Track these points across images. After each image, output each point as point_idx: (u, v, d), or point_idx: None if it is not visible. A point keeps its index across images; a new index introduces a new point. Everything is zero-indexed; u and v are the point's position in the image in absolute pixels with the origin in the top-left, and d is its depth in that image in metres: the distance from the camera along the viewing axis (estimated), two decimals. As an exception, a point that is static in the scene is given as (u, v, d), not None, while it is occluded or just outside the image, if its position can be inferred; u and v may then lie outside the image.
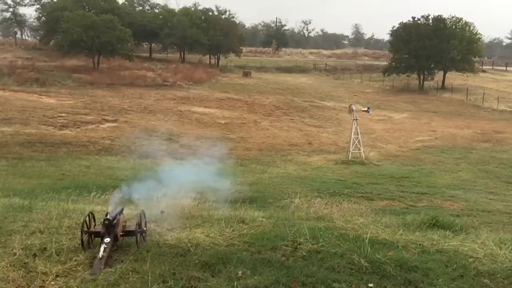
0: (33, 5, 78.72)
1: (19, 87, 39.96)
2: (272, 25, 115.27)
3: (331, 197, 9.72)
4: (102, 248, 5.59)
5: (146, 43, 73.70)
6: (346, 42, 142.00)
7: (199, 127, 29.97)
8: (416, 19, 59.52)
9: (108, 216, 5.92)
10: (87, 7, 61.81)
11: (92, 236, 6.03)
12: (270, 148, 25.17)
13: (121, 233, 6.01)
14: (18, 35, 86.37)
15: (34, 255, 5.74)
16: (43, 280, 5.18)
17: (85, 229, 5.98)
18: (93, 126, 28.30)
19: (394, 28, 61.46)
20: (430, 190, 15.88)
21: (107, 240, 5.73)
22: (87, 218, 6.08)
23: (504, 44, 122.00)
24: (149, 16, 69.10)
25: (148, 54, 70.87)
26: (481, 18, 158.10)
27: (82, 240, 5.88)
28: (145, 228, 6.27)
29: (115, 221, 5.96)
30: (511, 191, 16.48)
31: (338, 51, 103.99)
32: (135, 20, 63.16)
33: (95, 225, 6.26)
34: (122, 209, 6.43)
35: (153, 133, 27.06)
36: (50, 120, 28.74)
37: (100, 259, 5.48)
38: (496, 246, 6.31)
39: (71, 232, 6.45)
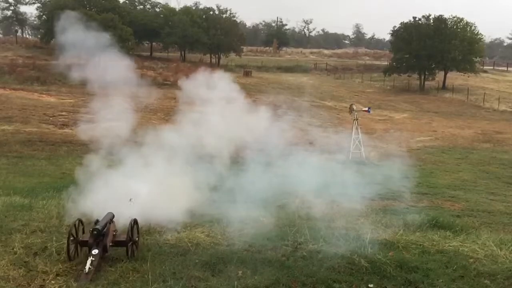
0: (34, 3, 78.58)
1: (20, 86, 39.92)
2: (273, 24, 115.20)
3: (332, 197, 9.70)
4: (89, 262, 5.18)
5: (147, 42, 73.59)
6: (347, 41, 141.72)
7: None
8: (417, 19, 59.44)
9: (97, 225, 5.47)
10: (87, 6, 61.75)
11: (79, 245, 5.62)
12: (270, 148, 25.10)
13: (110, 244, 5.59)
14: (19, 34, 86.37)
15: (35, 254, 5.74)
16: (44, 279, 5.17)
17: (72, 237, 5.53)
18: (94, 125, 28.26)
19: (395, 28, 61.40)
20: (430, 190, 15.84)
21: (95, 251, 5.30)
22: (75, 226, 5.66)
23: (505, 44, 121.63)
24: (150, 15, 69.02)
25: (149, 53, 70.81)
26: (482, 18, 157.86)
27: (68, 250, 5.46)
28: (137, 238, 5.81)
29: (104, 231, 5.53)
30: (511, 191, 16.45)
31: (339, 51, 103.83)
32: (135, 19, 63.09)
33: (83, 232, 5.81)
34: (113, 216, 5.93)
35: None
36: (51, 118, 28.72)
37: (87, 274, 5.06)
38: (497, 247, 6.31)
39: (72, 231, 6.44)
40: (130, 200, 6.37)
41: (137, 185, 6.89)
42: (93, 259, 5.25)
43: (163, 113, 33.88)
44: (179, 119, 9.10)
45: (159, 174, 7.40)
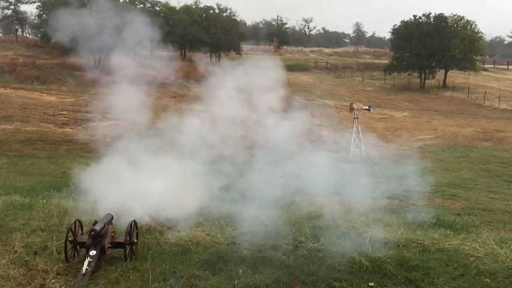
0: (34, 2, 78.50)
1: (20, 85, 39.93)
2: (273, 23, 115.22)
3: (332, 196, 9.71)
4: (86, 263, 5.18)
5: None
6: (347, 40, 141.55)
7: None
8: (417, 17, 59.38)
9: (95, 227, 5.47)
10: (87, 5, 61.72)
11: (78, 246, 5.62)
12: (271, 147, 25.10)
13: (109, 245, 5.57)
14: (19, 33, 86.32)
15: (35, 253, 5.74)
16: (44, 278, 5.18)
17: (70, 238, 5.51)
18: (94, 124, 28.30)
19: (396, 27, 61.35)
20: (431, 189, 15.82)
21: (92, 253, 5.29)
22: (74, 226, 5.64)
23: (505, 42, 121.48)
24: (149, 14, 69.02)
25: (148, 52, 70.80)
26: (482, 17, 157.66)
27: (66, 252, 5.44)
28: (135, 240, 5.80)
29: (103, 232, 5.51)
30: (512, 190, 16.44)
31: (339, 50, 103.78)
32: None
33: (82, 233, 5.82)
34: (112, 218, 5.92)
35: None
36: (51, 118, 28.74)
37: (83, 275, 5.07)
38: (497, 245, 6.31)
39: (72, 230, 6.42)
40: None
41: (139, 186, 6.86)
42: (91, 260, 5.24)
43: (163, 111, 33.87)
44: (182, 117, 9.11)
45: (164, 173, 7.37)
